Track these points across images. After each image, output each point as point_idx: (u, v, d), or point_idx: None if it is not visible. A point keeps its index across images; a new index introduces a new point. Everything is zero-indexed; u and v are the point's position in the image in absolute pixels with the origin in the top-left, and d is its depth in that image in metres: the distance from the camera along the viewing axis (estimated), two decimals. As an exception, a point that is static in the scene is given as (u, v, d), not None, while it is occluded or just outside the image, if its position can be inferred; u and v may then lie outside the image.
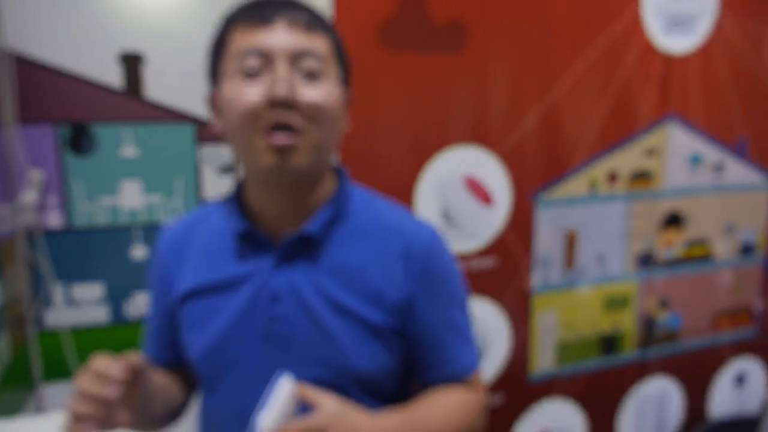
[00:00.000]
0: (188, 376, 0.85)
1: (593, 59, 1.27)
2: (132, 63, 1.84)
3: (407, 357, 0.76)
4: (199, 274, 0.75)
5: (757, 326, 1.61)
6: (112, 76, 1.82)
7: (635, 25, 1.29)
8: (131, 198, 1.60)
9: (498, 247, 1.25)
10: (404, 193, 1.15)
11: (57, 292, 1.77)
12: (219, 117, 0.72)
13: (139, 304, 1.60)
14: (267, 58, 0.65)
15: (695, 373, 1.56)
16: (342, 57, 0.73)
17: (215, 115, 0.73)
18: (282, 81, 0.64)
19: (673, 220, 1.43)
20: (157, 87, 1.56)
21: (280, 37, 0.66)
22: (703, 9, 1.35)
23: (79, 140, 1.78)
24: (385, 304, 0.72)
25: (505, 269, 1.27)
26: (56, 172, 1.78)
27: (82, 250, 1.56)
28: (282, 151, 0.65)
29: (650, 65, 1.33)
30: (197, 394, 0.85)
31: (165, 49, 1.52)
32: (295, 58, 0.66)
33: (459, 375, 0.78)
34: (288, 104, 0.64)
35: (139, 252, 1.62)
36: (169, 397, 0.79)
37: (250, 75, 0.66)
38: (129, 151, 1.87)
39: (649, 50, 1.32)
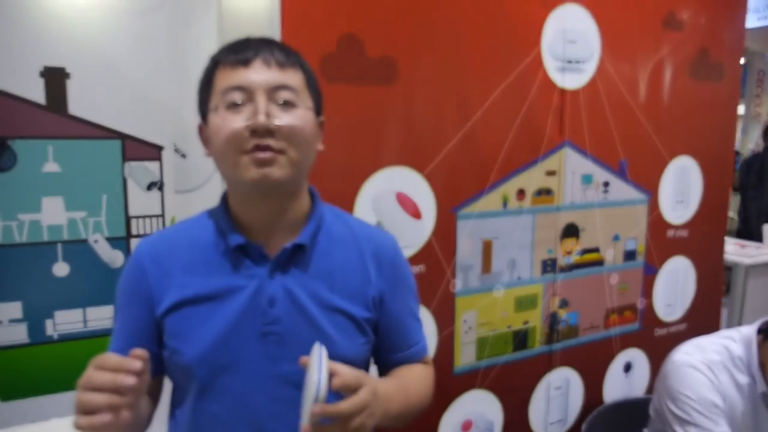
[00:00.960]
0: (154, 389, 0.88)
1: (504, 93, 1.48)
2: (55, 77, 1.82)
3: (375, 345, 0.91)
4: (189, 285, 0.81)
5: (640, 321, 1.88)
6: (35, 92, 1.78)
7: (538, 65, 1.52)
8: (53, 215, 1.56)
9: (426, 255, 1.42)
10: (344, 208, 1.28)
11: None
12: (208, 145, 0.84)
13: (62, 322, 1.56)
14: (248, 93, 0.77)
15: (592, 363, 1.80)
16: (314, 88, 0.86)
17: (204, 144, 0.85)
18: (261, 110, 0.76)
19: (570, 231, 1.67)
20: (81, 103, 1.54)
21: (258, 74, 0.78)
22: (590, 53, 1.61)
23: (0, 156, 1.73)
24: (365, 301, 0.86)
25: (432, 275, 1.44)
26: (-28, 188, 1.68)
27: (-1, 268, 1.51)
28: (264, 165, 0.76)
29: (550, 98, 1.56)
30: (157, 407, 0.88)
31: (89, 66, 1.49)
32: (272, 91, 0.78)
33: (419, 354, 0.95)
34: (267, 130, 0.76)
35: (61, 269, 1.59)
36: (144, 405, 0.81)
37: (234, 107, 0.77)
38: (51, 167, 1.83)
39: (549, 86, 1.55)
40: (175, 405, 0.87)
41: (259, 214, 0.83)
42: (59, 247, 1.55)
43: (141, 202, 1.60)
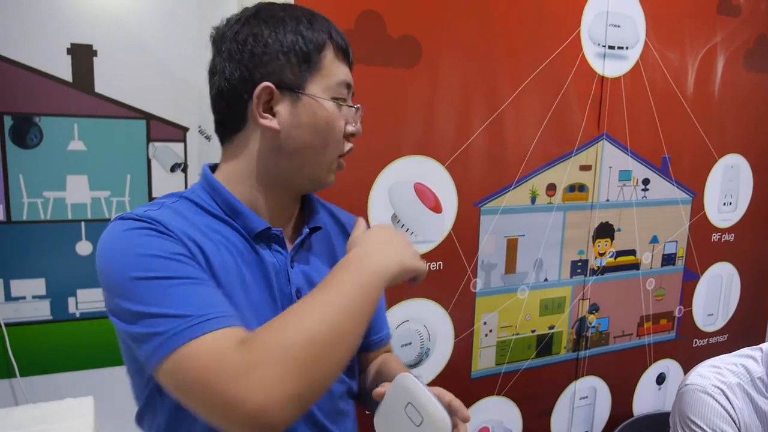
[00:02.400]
0: None
1: (537, 79, 1.37)
2: (82, 55, 1.81)
3: None
4: (221, 256, 0.70)
5: (677, 330, 1.76)
6: (62, 70, 1.78)
7: (576, 50, 1.41)
8: (78, 193, 1.56)
9: (445, 251, 1.33)
10: (359, 198, 1.21)
11: (-4, 287, 1.70)
12: (269, 113, 0.73)
13: (84, 300, 1.57)
14: (348, 93, 0.77)
15: (622, 373, 1.69)
16: None
17: (261, 109, 0.73)
18: (360, 120, 0.78)
19: (605, 231, 1.55)
20: (108, 82, 1.53)
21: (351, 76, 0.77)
22: (635, 39, 1.49)
23: (25, 133, 1.73)
24: None
25: (451, 273, 1.35)
26: (-1, 164, 1.71)
27: (23, 246, 1.52)
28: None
29: (588, 87, 1.44)
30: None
31: (117, 44, 1.49)
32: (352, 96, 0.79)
33: (388, 339, 0.95)
34: None
35: (84, 248, 1.59)
36: None
37: (341, 103, 0.75)
38: (77, 145, 1.83)
39: (587, 73, 1.43)
40: None
41: (282, 205, 0.80)
42: (83, 225, 1.56)
43: (165, 183, 1.60)
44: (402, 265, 0.69)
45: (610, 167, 1.52)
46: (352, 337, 0.61)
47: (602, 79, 1.46)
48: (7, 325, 1.73)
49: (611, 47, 1.45)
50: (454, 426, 0.67)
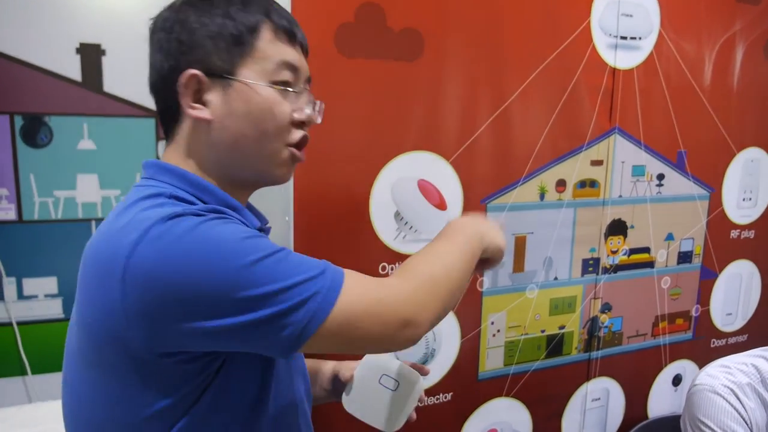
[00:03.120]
0: None
1: (546, 72, 1.33)
2: (91, 54, 1.81)
3: None
4: None
5: (693, 330, 1.70)
6: (71, 69, 1.79)
7: (586, 41, 1.36)
8: (88, 192, 1.57)
9: (450, 249, 1.30)
10: (360, 195, 1.18)
11: (8, 286, 1.72)
12: (200, 102, 0.69)
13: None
14: (297, 77, 0.71)
15: (636, 375, 1.64)
16: None
17: (191, 100, 0.69)
18: (318, 108, 0.73)
19: (617, 228, 1.51)
20: (116, 81, 1.54)
21: (303, 59, 0.73)
22: (648, 28, 1.43)
23: (35, 132, 1.74)
24: None
25: (457, 271, 1.32)
26: (10, 164, 1.74)
27: (35, 245, 1.53)
28: (294, 164, 0.73)
29: (599, 79, 1.40)
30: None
31: (125, 43, 1.50)
32: (307, 81, 0.74)
33: None
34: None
35: (95, 247, 1.59)
36: None
37: (284, 86, 0.70)
38: (87, 144, 1.84)
39: (598, 64, 1.39)
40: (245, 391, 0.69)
41: (241, 200, 0.76)
42: (93, 224, 1.57)
43: None
44: (488, 232, 0.80)
45: (623, 162, 1.47)
46: (466, 279, 0.74)
47: (614, 70, 1.41)
48: (19, 323, 1.74)
49: (623, 38, 1.41)
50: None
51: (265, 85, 0.68)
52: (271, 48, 0.69)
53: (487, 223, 0.82)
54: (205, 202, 0.68)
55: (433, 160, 1.25)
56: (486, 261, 0.84)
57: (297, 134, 0.71)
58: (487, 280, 1.36)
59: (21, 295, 1.77)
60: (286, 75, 0.69)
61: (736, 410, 1.11)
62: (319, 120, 0.73)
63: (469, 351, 1.37)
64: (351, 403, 0.86)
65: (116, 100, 1.59)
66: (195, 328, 0.57)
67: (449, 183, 1.28)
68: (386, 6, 1.14)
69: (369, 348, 0.68)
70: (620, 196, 1.49)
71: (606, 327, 1.54)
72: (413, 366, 0.88)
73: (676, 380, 1.71)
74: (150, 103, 1.60)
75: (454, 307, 0.74)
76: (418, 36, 1.19)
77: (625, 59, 1.42)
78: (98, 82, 1.86)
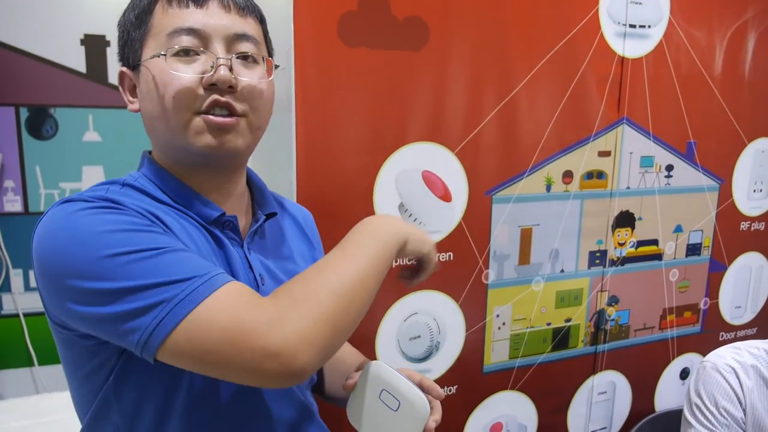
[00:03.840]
0: None
1: (553, 61, 1.30)
2: (95, 46, 1.80)
3: None
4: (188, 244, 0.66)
5: (702, 324, 1.68)
6: (76, 61, 1.78)
7: (594, 29, 1.34)
8: (94, 184, 1.57)
9: (455, 242, 1.28)
10: (364, 187, 1.17)
11: (14, 278, 1.73)
12: (135, 97, 0.71)
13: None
14: (202, 39, 0.65)
15: (643, 368, 1.62)
16: (270, 44, 0.76)
17: (129, 95, 0.72)
18: (223, 62, 0.64)
19: (625, 220, 1.48)
20: None
21: (215, 17, 0.65)
22: (658, 16, 1.41)
23: (41, 124, 1.74)
24: None
25: (462, 264, 1.30)
26: (16, 155, 1.73)
27: (41, 237, 1.53)
28: (221, 130, 0.65)
29: (607, 68, 1.37)
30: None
31: None
32: (232, 40, 0.66)
33: None
34: (228, 87, 0.65)
35: (100, 240, 1.59)
36: None
37: (183, 55, 0.65)
38: (92, 136, 1.83)
39: (607, 53, 1.36)
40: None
41: (205, 187, 0.72)
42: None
43: None
44: (415, 234, 0.72)
45: (631, 153, 1.45)
46: (370, 290, 0.62)
47: (622, 59, 1.38)
48: (26, 315, 1.75)
49: (632, 26, 1.38)
50: (430, 405, 0.69)
51: (156, 57, 0.65)
52: (164, 19, 0.65)
53: (410, 225, 0.73)
54: (164, 191, 0.70)
55: (438, 151, 1.24)
56: (415, 270, 0.80)
57: (208, 98, 0.64)
58: (492, 273, 1.34)
59: (28, 287, 1.78)
60: (184, 41, 0.64)
61: (732, 389, 1.12)
62: (224, 76, 0.63)
63: (474, 344, 1.35)
64: (350, 413, 0.75)
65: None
66: (67, 308, 0.58)
67: (454, 174, 1.26)
68: (390, -6, 1.12)
69: (230, 378, 0.56)
70: (628, 188, 1.47)
71: (613, 320, 1.53)
72: (421, 385, 0.72)
73: (684, 374, 1.69)
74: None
75: (355, 326, 0.61)
76: (423, 25, 1.17)
77: (634, 48, 1.39)
78: (103, 73, 1.85)
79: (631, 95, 1.41)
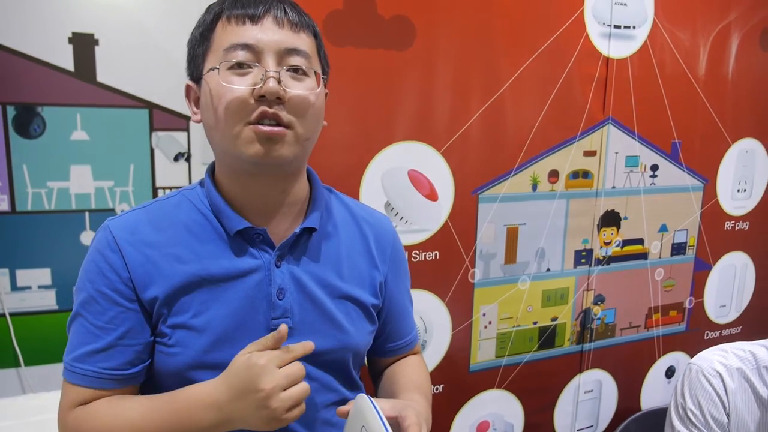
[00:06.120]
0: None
1: (538, 61, 1.32)
2: (83, 44, 1.80)
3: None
4: (179, 274, 0.71)
5: (687, 322, 1.70)
6: (64, 59, 1.77)
7: (579, 30, 1.35)
8: (82, 183, 1.56)
9: (441, 240, 1.29)
10: (350, 185, 1.18)
11: (1, 278, 1.72)
12: (198, 110, 0.75)
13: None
14: (255, 54, 0.68)
15: (629, 367, 1.64)
16: (324, 57, 0.78)
17: (194, 107, 0.76)
18: (272, 75, 0.67)
19: (610, 220, 1.50)
20: (110, 71, 1.53)
21: (268, 33, 0.69)
22: (642, 17, 1.42)
23: (28, 123, 1.73)
24: (372, 287, 0.82)
25: (448, 263, 1.31)
26: (2, 154, 1.73)
27: (28, 236, 1.52)
28: (269, 140, 0.68)
29: (593, 69, 1.38)
30: None
31: (118, 33, 1.48)
32: (283, 54, 0.69)
33: (414, 343, 0.93)
34: (276, 98, 0.67)
35: (88, 238, 1.59)
36: None
37: (238, 68, 0.68)
38: (80, 135, 1.83)
39: (592, 54, 1.37)
40: None
41: (257, 195, 0.75)
42: (87, 215, 1.56)
43: (168, 172, 1.61)
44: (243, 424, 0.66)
45: (617, 153, 1.46)
46: None
47: (607, 60, 1.40)
48: (12, 314, 1.74)
49: (617, 26, 1.39)
50: None
51: (212, 71, 0.69)
52: (223, 36, 0.70)
53: (252, 400, 0.64)
54: (207, 202, 0.76)
55: (424, 150, 1.24)
56: None
57: (257, 110, 0.67)
58: (478, 272, 1.35)
59: (14, 287, 1.77)
60: (239, 56, 0.68)
61: (717, 393, 1.12)
62: (272, 88, 0.66)
63: (461, 343, 1.36)
64: None
65: (110, 91, 1.57)
66: None
67: (440, 173, 1.27)
68: (376, -8, 1.13)
69: None
70: (613, 187, 1.48)
71: (599, 319, 1.54)
72: (402, 429, 0.68)
73: (670, 372, 1.71)
74: (144, 93, 1.59)
75: None
76: (410, 24, 1.18)
77: (618, 48, 1.41)
78: (91, 72, 1.84)
79: (616, 95, 1.42)
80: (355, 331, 0.79)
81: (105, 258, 0.71)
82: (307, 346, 0.67)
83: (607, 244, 1.51)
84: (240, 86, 0.67)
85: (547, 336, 1.47)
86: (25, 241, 1.53)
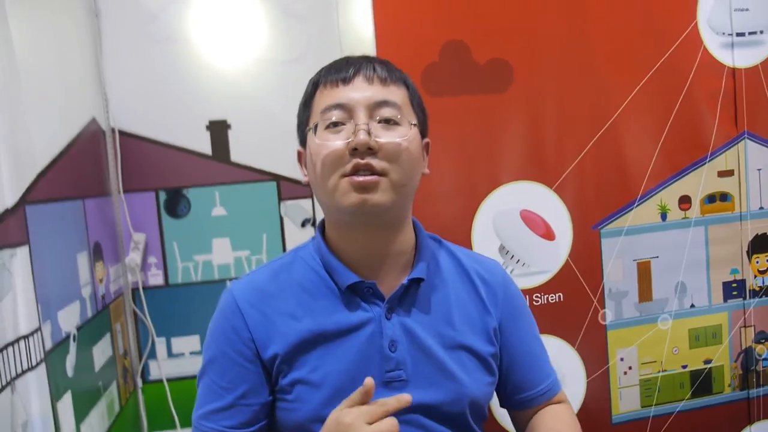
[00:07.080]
0: None
1: (652, 83, 1.24)
2: (219, 129, 2.01)
3: (501, 384, 0.84)
4: (294, 332, 0.74)
5: None
6: (203, 144, 1.98)
7: (695, 43, 1.25)
8: (222, 254, 1.70)
9: (563, 281, 1.22)
10: (461, 231, 1.17)
11: (159, 346, 1.90)
12: (306, 169, 0.80)
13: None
14: (348, 111, 0.73)
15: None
16: (419, 106, 0.80)
17: (304, 169, 0.81)
18: (362, 127, 0.71)
19: (763, 244, 1.32)
20: (241, 151, 1.68)
21: (358, 90, 0.73)
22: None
23: (176, 204, 1.95)
24: (487, 334, 0.80)
25: (574, 304, 1.23)
26: (157, 234, 1.94)
27: (179, 306, 1.67)
28: (365, 189, 0.70)
29: (716, 82, 1.27)
30: None
31: (246, 115, 1.64)
32: (374, 107, 0.73)
33: (555, 389, 0.86)
34: (368, 148, 0.70)
35: (230, 305, 1.71)
36: None
37: (333, 127, 0.73)
38: (219, 211, 2.01)
39: (713, 66, 1.26)
40: None
41: (363, 248, 0.76)
42: (227, 284, 1.68)
43: (296, 238, 1.68)
44: None
45: (759, 170, 1.30)
46: None
47: (734, 71, 1.28)
48: (168, 380, 1.90)
49: (740, 34, 1.27)
50: None
51: (311, 131, 0.74)
52: (320, 100, 0.75)
53: None
54: (319, 259, 0.79)
55: (535, 189, 1.21)
56: None
57: (351, 163, 0.70)
58: (609, 312, 1.25)
59: (170, 354, 1.93)
60: (334, 115, 0.72)
61: None
62: (362, 140, 0.69)
63: (598, 392, 1.25)
64: None
65: (242, 168, 1.72)
66: None
67: (555, 211, 1.22)
68: (470, 40, 1.15)
69: None
70: (761, 208, 1.31)
71: (765, 360, 1.33)
72: None
73: None
74: (271, 167, 1.73)
75: None
76: (506, 65, 1.18)
77: (745, 57, 1.28)
78: (226, 153, 2.04)
79: (749, 107, 1.28)
80: (470, 381, 0.76)
81: (228, 320, 0.76)
82: (401, 399, 0.64)
83: (762, 272, 1.32)
84: (335, 142, 0.71)
85: (702, 381, 1.30)
86: (178, 311, 1.68)
